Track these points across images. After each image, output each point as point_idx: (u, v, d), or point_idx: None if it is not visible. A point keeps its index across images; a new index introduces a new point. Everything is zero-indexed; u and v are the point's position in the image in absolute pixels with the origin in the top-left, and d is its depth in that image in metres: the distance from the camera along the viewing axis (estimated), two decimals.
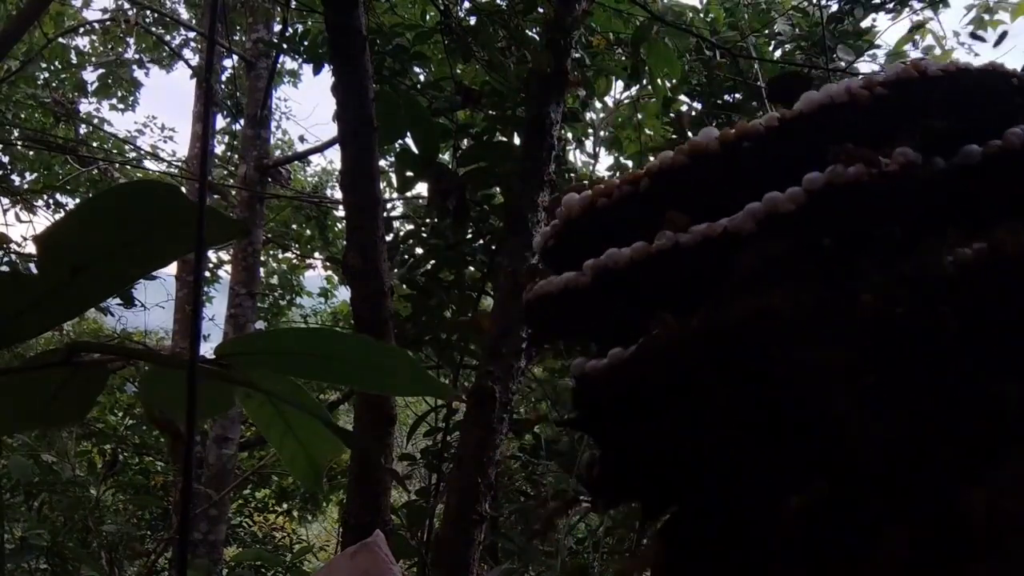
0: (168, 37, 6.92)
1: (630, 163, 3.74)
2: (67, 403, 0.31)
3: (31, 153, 6.37)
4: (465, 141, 2.76)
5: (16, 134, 6.27)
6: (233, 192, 5.53)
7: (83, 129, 6.73)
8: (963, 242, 0.35)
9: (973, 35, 3.62)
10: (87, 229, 0.29)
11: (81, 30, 6.75)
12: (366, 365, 0.52)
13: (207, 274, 6.31)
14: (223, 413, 4.43)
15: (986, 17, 3.77)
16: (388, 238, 2.69)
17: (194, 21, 6.72)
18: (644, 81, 3.18)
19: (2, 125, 6.10)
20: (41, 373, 0.30)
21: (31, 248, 5.20)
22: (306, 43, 3.48)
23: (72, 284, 0.29)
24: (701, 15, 3.41)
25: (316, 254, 6.88)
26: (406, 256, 2.88)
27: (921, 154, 0.37)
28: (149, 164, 7.02)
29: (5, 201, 6.27)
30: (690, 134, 3.28)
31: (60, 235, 0.29)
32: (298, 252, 7.15)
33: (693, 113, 3.37)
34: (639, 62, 2.91)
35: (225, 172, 6.56)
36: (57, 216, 6.44)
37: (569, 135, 3.59)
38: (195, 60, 6.67)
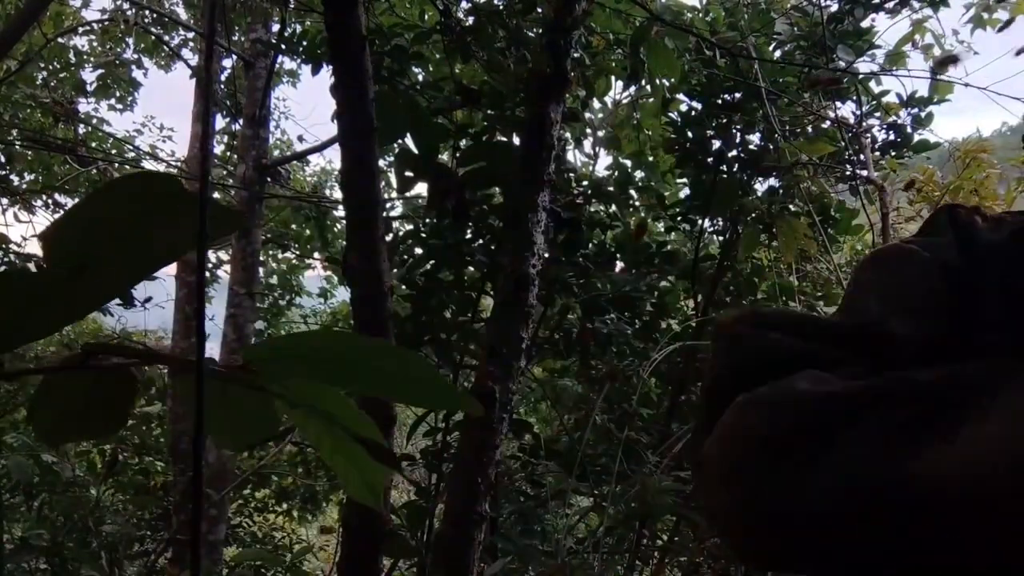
0: (167, 37, 6.92)
1: (628, 162, 3.74)
2: (103, 413, 0.31)
3: (30, 153, 6.37)
4: (464, 141, 2.76)
5: (16, 134, 6.26)
6: (232, 192, 5.52)
7: (82, 129, 6.73)
8: None
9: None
10: (89, 226, 0.29)
11: (80, 30, 6.75)
12: (400, 377, 0.48)
13: (206, 274, 6.29)
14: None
15: (985, 16, 3.77)
16: (388, 238, 2.69)
17: (192, 21, 6.72)
18: (643, 81, 3.18)
19: (1, 125, 6.10)
20: (61, 378, 0.30)
21: (30, 248, 5.19)
22: (304, 43, 3.48)
23: (78, 283, 0.29)
24: (701, 15, 3.41)
25: (316, 254, 6.88)
26: (406, 256, 2.88)
27: None
28: (148, 164, 7.03)
29: (4, 201, 6.27)
30: (689, 133, 3.27)
31: (64, 232, 0.29)
32: (297, 252, 7.15)
33: (693, 113, 3.36)
34: (638, 62, 2.90)
35: (224, 172, 6.56)
36: (56, 216, 6.41)
37: (568, 135, 3.59)
38: (194, 60, 6.67)
